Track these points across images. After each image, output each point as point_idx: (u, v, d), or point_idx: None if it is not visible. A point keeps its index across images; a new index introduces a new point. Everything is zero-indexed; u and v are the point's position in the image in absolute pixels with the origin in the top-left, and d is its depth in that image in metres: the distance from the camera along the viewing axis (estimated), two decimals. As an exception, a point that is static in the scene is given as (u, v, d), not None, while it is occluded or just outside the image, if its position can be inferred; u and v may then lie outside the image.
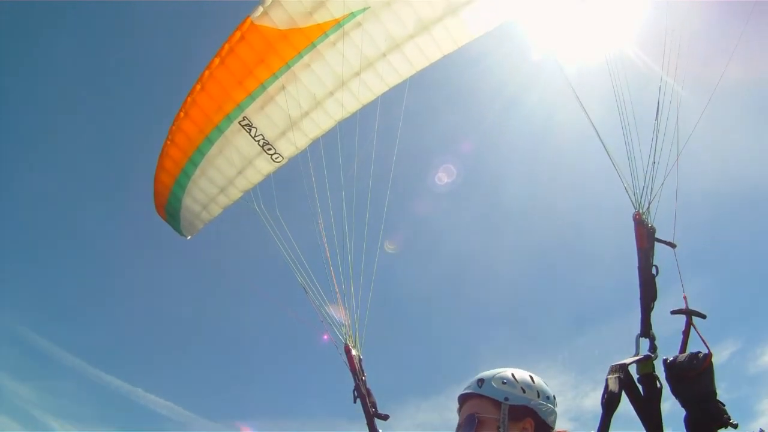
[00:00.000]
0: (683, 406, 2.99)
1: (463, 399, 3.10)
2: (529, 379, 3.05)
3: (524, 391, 3.00)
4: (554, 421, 2.99)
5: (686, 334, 3.41)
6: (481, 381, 3.05)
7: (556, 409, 3.03)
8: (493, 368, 3.14)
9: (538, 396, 3.00)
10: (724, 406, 2.97)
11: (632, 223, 3.81)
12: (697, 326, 3.42)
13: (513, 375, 3.06)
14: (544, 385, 3.06)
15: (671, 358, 3.16)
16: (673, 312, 3.49)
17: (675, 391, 3.04)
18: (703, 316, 3.45)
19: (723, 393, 3.06)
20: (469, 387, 3.09)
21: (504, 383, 3.01)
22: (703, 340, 3.24)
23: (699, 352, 3.15)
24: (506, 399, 2.95)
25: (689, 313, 3.46)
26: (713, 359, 3.11)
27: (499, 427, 2.87)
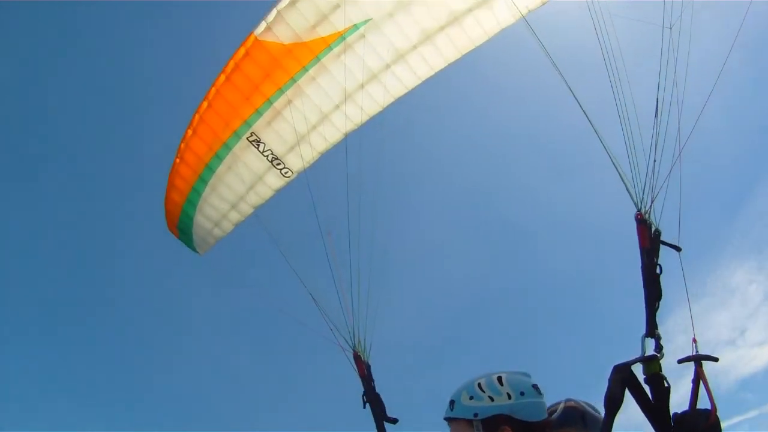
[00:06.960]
0: None
1: (447, 423, 3.07)
2: (497, 382, 2.91)
3: (493, 399, 2.87)
4: (541, 410, 2.87)
5: (696, 383, 3.08)
6: (452, 403, 2.99)
7: (537, 398, 2.89)
8: (470, 377, 3.06)
9: (509, 397, 2.86)
10: None
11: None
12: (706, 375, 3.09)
13: (479, 385, 2.92)
14: (518, 380, 2.92)
15: (680, 413, 2.98)
16: (681, 361, 3.17)
17: None
18: (715, 359, 3.14)
19: None
20: (445, 411, 3.03)
21: (471, 398, 2.90)
22: (708, 393, 2.98)
23: (707, 409, 2.93)
24: (476, 415, 2.85)
25: (698, 359, 3.12)
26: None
27: None
